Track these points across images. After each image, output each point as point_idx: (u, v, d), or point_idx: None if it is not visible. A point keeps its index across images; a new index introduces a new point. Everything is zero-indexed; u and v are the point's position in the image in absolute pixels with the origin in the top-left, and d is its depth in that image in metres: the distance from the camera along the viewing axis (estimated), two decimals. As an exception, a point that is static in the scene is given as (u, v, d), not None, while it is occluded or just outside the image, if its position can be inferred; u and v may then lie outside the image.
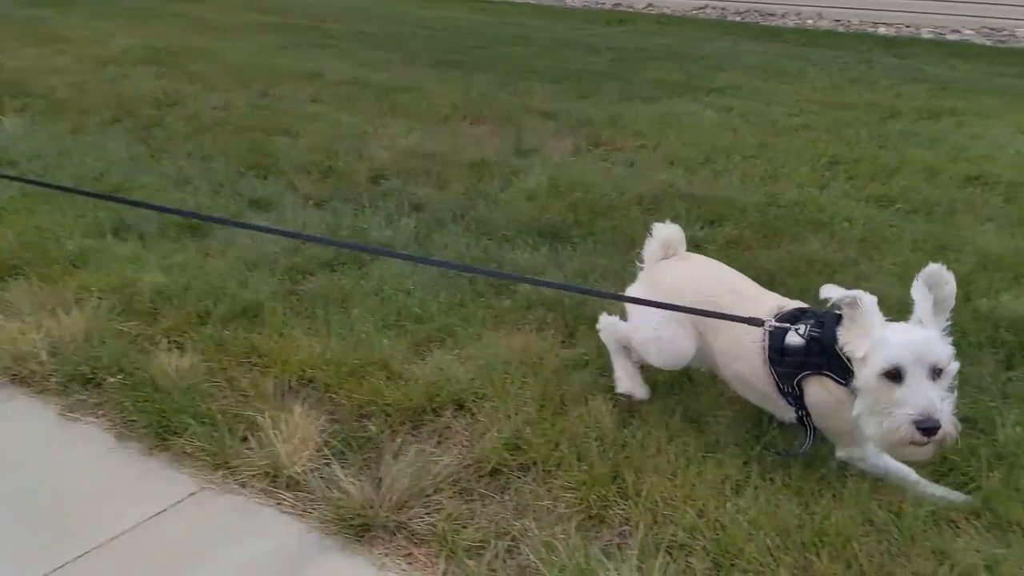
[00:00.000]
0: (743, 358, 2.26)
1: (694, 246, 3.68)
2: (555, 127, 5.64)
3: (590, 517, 2.14)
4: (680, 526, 2.05)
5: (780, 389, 2.20)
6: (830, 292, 2.06)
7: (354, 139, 5.20)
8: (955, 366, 1.98)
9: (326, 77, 6.93)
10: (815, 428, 2.21)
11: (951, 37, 10.30)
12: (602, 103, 6.16)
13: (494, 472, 2.28)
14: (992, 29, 10.47)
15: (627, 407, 2.52)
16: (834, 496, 2.15)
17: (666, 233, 2.51)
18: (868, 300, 2.02)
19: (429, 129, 5.49)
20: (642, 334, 2.45)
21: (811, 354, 2.11)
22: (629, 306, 2.54)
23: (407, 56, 8.01)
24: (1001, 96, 6.47)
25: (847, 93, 6.46)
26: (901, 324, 2.03)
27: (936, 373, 1.94)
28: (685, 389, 2.62)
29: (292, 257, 3.46)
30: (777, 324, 2.16)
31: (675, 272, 2.47)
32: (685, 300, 2.30)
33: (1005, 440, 2.39)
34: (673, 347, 2.41)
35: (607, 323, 2.57)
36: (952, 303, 2.04)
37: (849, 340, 2.03)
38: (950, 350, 1.97)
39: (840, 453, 2.25)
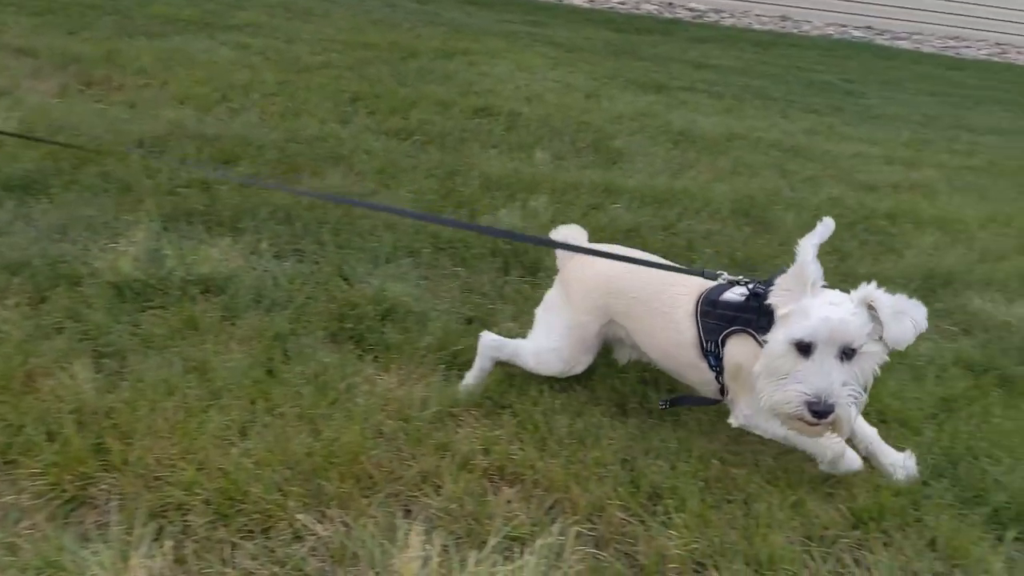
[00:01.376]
0: (669, 329, 2.23)
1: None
2: (34, 65, 4.80)
3: (67, 502, 1.85)
4: (178, 486, 1.89)
5: (703, 348, 2.18)
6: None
7: None
8: (873, 347, 1.95)
9: None
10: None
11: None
12: (96, 39, 5.43)
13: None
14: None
15: (116, 370, 2.25)
16: (347, 416, 2.20)
17: (564, 234, 2.48)
18: (810, 267, 1.97)
19: None
20: (545, 345, 2.39)
21: (745, 310, 2.10)
22: (537, 315, 2.48)
23: None
24: (506, 38, 7.39)
25: (370, 34, 6.72)
26: (831, 295, 1.98)
27: (847, 353, 1.92)
28: (188, 338, 2.44)
29: None
30: (730, 278, 2.16)
31: (579, 275, 2.41)
32: (593, 288, 2.34)
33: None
34: (575, 355, 2.38)
35: (492, 341, 2.44)
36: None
37: (779, 293, 2.01)
38: (865, 329, 1.92)
39: (736, 420, 2.23)
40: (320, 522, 1.92)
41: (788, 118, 5.92)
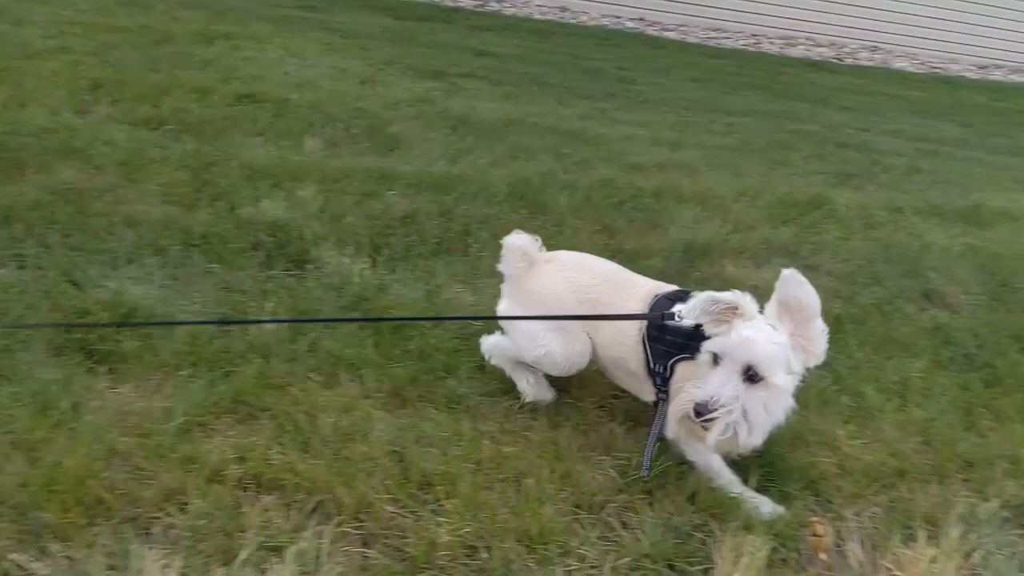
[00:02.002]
0: (623, 344, 2.31)
1: None
2: None
3: None
4: None
5: (650, 368, 2.26)
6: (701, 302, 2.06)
7: None
8: (780, 380, 2.02)
9: None
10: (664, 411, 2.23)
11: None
12: None
13: None
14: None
15: None
16: (72, 438, 1.96)
17: (519, 243, 2.43)
18: (747, 302, 2.05)
19: None
20: (532, 353, 2.40)
21: (693, 338, 2.14)
22: (507, 325, 2.48)
23: None
24: (275, 23, 7.06)
25: (118, 16, 6.16)
26: (760, 323, 2.03)
27: (750, 375, 2.00)
28: None
29: None
30: (681, 315, 2.11)
31: (546, 278, 2.42)
32: (566, 303, 2.35)
33: (258, 333, 2.56)
34: (567, 356, 2.39)
35: (492, 345, 2.51)
36: (803, 306, 2.03)
37: (717, 326, 2.07)
38: (774, 360, 2.00)
39: (668, 433, 2.23)
40: (39, 559, 1.70)
41: (564, 104, 6.15)
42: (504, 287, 2.53)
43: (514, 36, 9.13)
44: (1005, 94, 12.44)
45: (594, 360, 2.46)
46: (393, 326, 2.71)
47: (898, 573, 2.15)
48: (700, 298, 2.06)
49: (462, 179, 4.13)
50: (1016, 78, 13.81)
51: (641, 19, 11.85)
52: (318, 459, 2.08)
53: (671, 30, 11.80)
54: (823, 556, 2.18)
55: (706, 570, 2.05)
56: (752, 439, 2.05)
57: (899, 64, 12.88)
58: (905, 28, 13.10)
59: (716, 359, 2.05)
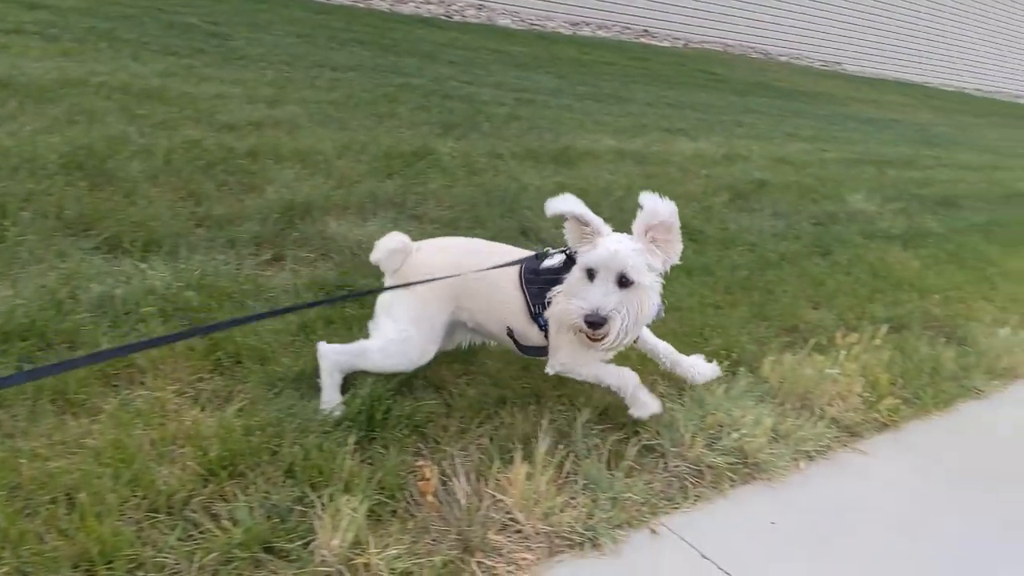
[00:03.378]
0: (503, 301, 2.51)
1: None
2: None
3: None
4: None
5: (531, 312, 2.49)
6: (558, 206, 2.37)
7: None
8: (646, 279, 2.31)
9: None
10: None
11: None
12: None
13: None
14: None
15: None
16: None
17: (393, 243, 2.51)
18: (600, 223, 2.36)
19: None
20: (394, 338, 2.47)
21: (563, 272, 2.41)
22: (378, 314, 2.54)
23: None
24: None
25: None
26: (617, 236, 2.35)
27: (624, 281, 2.28)
28: None
29: None
30: (550, 251, 2.51)
31: (420, 263, 2.52)
32: (441, 283, 2.46)
33: None
34: (424, 344, 2.51)
35: (334, 350, 2.46)
36: (662, 219, 2.33)
37: (578, 241, 2.39)
38: (640, 263, 2.29)
39: (553, 367, 2.55)
40: None
41: (140, 60, 5.53)
42: (386, 279, 2.60)
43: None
44: (592, 48, 14.14)
45: (477, 330, 2.65)
46: None
47: (501, 497, 2.27)
48: (568, 203, 2.37)
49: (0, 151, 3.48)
50: (602, 34, 15.77)
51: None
52: None
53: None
54: (431, 499, 2.22)
55: (308, 543, 1.96)
56: (629, 338, 2.35)
57: (503, 21, 13.93)
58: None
59: (590, 273, 2.31)
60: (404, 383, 2.58)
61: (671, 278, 2.60)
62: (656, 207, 2.33)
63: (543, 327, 2.51)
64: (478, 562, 2.07)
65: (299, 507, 2.04)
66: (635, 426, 2.70)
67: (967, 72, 26.41)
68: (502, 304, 2.53)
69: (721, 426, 2.77)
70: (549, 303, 2.43)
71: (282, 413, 2.30)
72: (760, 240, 4.82)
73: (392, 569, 1.94)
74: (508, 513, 2.25)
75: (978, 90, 26.72)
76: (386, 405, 2.42)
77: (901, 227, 5.70)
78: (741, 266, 4.30)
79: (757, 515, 2.50)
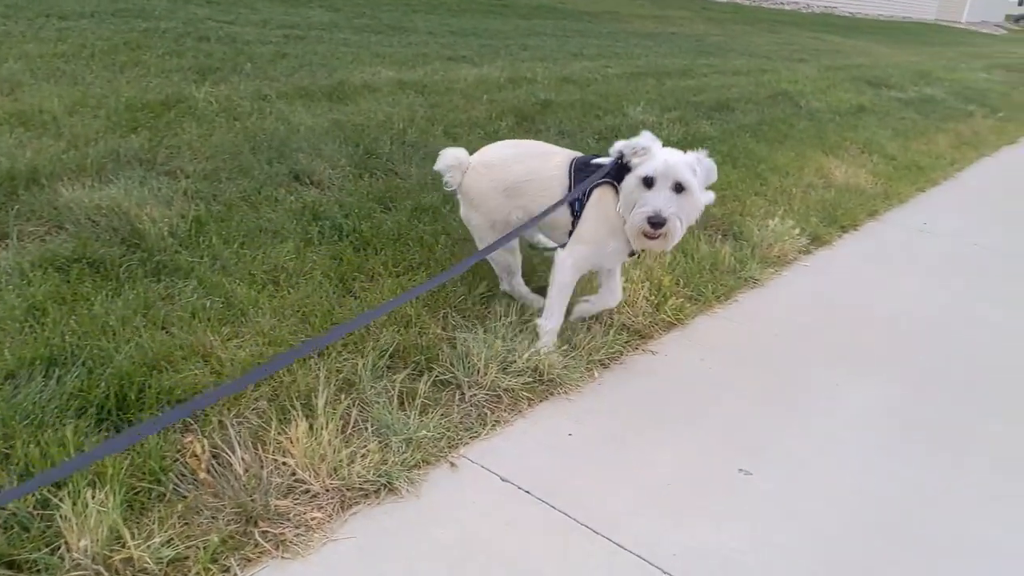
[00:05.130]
0: (552, 189, 2.84)
1: None
2: None
3: None
4: None
5: (571, 201, 2.80)
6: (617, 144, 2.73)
7: None
8: (695, 189, 2.65)
9: None
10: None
11: None
12: None
13: None
14: None
15: None
16: None
17: (450, 159, 2.93)
18: (653, 141, 2.69)
19: None
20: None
21: (608, 173, 2.75)
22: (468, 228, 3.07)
23: None
24: None
25: None
26: (670, 149, 2.69)
27: (679, 188, 2.63)
28: None
29: None
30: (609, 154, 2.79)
31: (474, 182, 2.94)
32: (494, 201, 2.91)
33: None
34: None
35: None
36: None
37: (634, 152, 2.68)
38: (692, 173, 2.63)
39: (568, 255, 2.86)
40: None
41: None
42: (459, 197, 3.05)
43: None
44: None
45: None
46: None
47: (282, 459, 2.16)
48: (620, 144, 2.72)
49: None
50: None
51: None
52: None
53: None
54: (204, 475, 2.07)
55: (55, 549, 1.76)
56: (679, 237, 2.69)
57: (265, -45, 13.08)
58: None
59: (648, 182, 2.63)
60: (160, 358, 2.37)
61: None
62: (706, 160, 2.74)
63: (576, 213, 2.84)
64: (263, 532, 1.96)
65: (43, 512, 1.83)
66: (428, 362, 2.66)
67: (736, -18, 28.09)
68: (550, 190, 2.85)
69: (511, 351, 2.79)
70: (589, 194, 2.79)
71: (12, 409, 2.05)
72: (546, 160, 4.88)
73: (159, 559, 1.79)
74: (293, 475, 2.15)
75: (750, 0, 28.55)
76: (139, 383, 2.21)
77: (679, 134, 5.98)
78: (528, 188, 4.33)
79: (555, 429, 2.55)
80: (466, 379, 2.65)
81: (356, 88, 5.64)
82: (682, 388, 2.89)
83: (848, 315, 3.66)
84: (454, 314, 2.97)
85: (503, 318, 2.93)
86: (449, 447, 2.38)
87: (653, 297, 3.40)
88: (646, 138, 2.69)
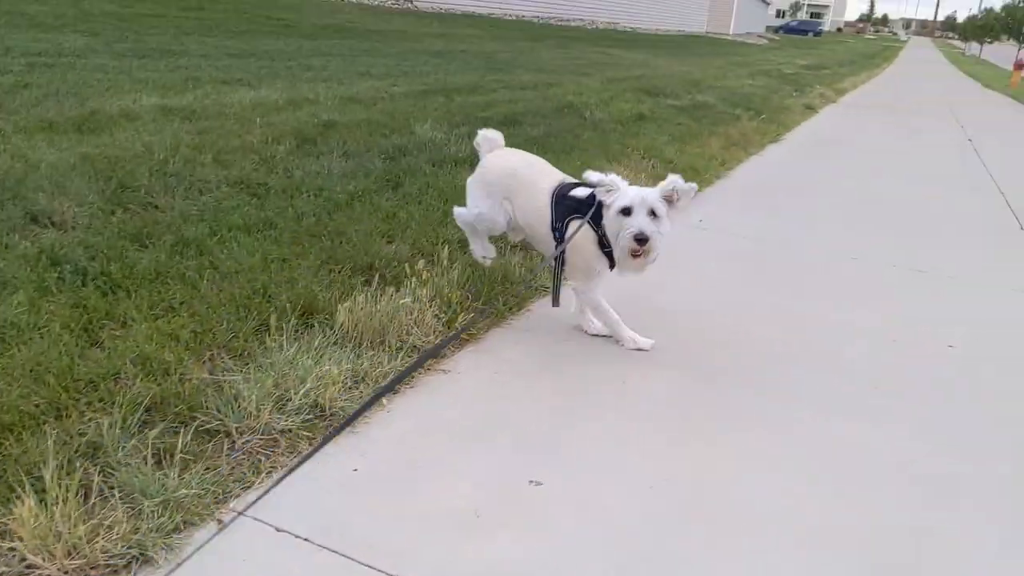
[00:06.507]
0: (537, 208, 3.30)
1: None
2: None
3: None
4: None
5: (553, 227, 3.24)
6: (591, 176, 3.16)
7: None
8: (664, 209, 3.07)
9: None
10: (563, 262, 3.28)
11: None
12: None
13: None
14: None
15: None
16: None
17: (490, 135, 3.55)
18: (620, 181, 3.14)
19: None
20: (473, 211, 3.50)
21: (585, 205, 3.17)
22: (468, 192, 3.55)
23: None
24: None
25: None
26: (636, 187, 3.13)
27: (652, 213, 3.04)
28: None
29: None
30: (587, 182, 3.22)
31: (489, 160, 3.51)
32: (493, 176, 3.45)
33: None
34: (491, 217, 3.46)
35: (457, 212, 3.63)
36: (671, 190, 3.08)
37: (606, 198, 3.11)
38: (662, 203, 3.06)
39: (572, 285, 3.38)
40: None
41: None
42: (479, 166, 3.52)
43: None
44: (134, 1, 12.82)
45: (514, 228, 3.50)
46: None
47: (8, 544, 1.87)
48: (595, 176, 3.15)
49: None
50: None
51: None
52: None
53: None
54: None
55: None
56: (656, 256, 3.10)
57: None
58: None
59: (627, 211, 3.03)
60: None
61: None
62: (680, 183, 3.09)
63: (558, 241, 3.23)
64: (-20, 637, 1.66)
65: None
66: (191, 411, 2.42)
67: (522, 2, 29.16)
68: (536, 208, 3.30)
69: (287, 388, 2.60)
70: (566, 225, 3.21)
71: None
72: (328, 183, 4.71)
73: None
74: (23, 561, 1.86)
75: (536, 17, 29.68)
76: None
77: (467, 150, 6.00)
78: (308, 213, 4.15)
79: (339, 467, 2.40)
80: (235, 425, 2.43)
81: (111, 118, 5.19)
82: (474, 406, 2.82)
83: (631, 311, 3.77)
84: (223, 354, 2.74)
85: (277, 352, 2.74)
86: (216, 503, 2.16)
87: (443, 314, 3.32)
88: (614, 177, 3.15)
